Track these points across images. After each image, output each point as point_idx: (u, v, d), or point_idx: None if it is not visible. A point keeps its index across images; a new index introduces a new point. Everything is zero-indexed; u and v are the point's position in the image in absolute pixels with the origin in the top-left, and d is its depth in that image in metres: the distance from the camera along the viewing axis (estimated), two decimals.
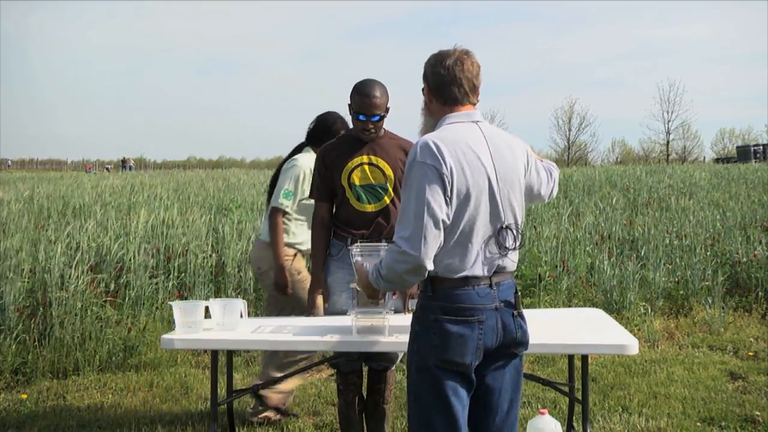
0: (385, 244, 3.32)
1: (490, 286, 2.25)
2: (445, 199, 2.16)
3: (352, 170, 3.45)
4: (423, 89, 2.42)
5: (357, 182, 3.45)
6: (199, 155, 73.42)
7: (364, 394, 3.62)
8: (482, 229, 2.23)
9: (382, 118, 3.42)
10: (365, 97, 3.36)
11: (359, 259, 2.91)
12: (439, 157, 2.17)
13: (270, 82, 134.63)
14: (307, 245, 4.01)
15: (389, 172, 3.46)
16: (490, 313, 2.24)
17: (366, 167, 3.46)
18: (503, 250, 2.26)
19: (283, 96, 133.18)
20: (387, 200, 3.48)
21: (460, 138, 2.24)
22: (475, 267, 2.23)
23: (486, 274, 2.24)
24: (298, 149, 4.21)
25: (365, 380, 3.63)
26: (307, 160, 4.05)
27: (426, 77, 2.38)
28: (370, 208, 3.47)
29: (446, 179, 2.16)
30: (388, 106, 3.44)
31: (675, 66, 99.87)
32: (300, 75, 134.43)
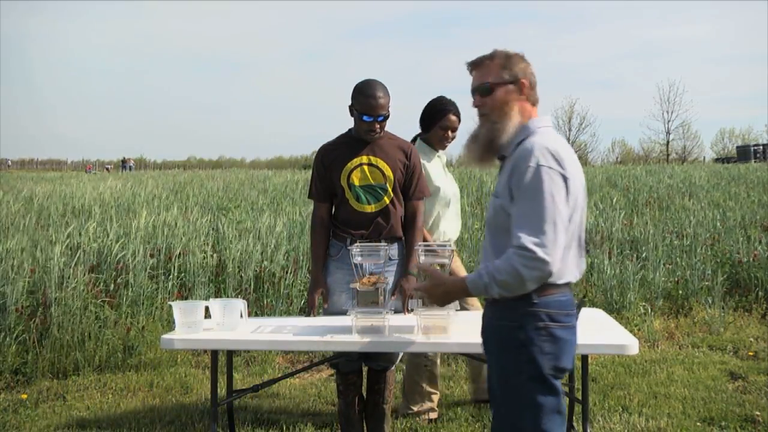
0: (385, 244, 3.34)
1: (570, 291, 2.27)
2: (567, 206, 2.14)
3: (352, 171, 3.45)
4: (506, 85, 2.29)
5: (356, 182, 3.45)
6: (199, 155, 73.57)
7: (364, 394, 3.63)
8: (578, 235, 2.24)
9: (386, 117, 3.43)
10: (370, 98, 3.36)
11: (423, 260, 2.86)
12: (562, 164, 2.14)
13: (270, 82, 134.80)
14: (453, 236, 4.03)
15: (389, 172, 3.46)
16: (576, 319, 2.27)
17: (365, 168, 3.46)
18: (583, 254, 2.29)
19: (283, 96, 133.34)
20: (386, 200, 3.48)
21: (564, 145, 2.23)
22: (575, 272, 2.25)
23: (575, 279, 2.26)
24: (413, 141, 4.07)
25: (365, 380, 3.64)
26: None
27: (516, 77, 2.28)
28: (369, 208, 3.47)
29: (569, 186, 2.14)
30: (389, 105, 3.45)
31: (675, 66, 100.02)
32: (300, 75, 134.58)
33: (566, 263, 2.18)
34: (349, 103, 3.45)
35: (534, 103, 2.31)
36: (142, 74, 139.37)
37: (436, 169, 3.97)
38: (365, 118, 3.38)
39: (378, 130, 3.43)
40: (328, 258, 3.55)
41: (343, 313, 3.28)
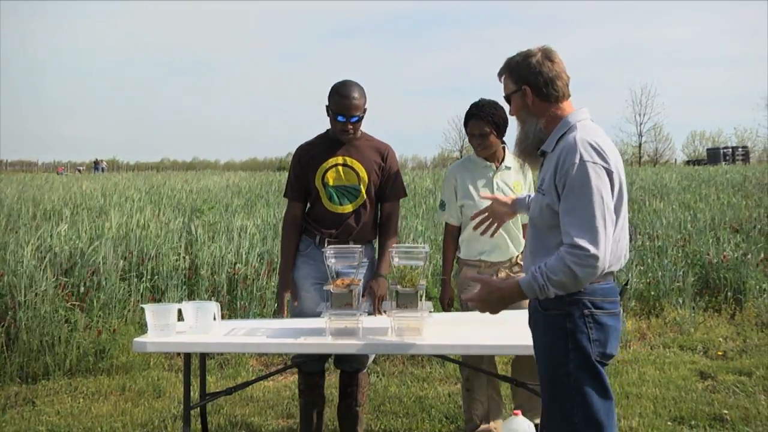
0: (360, 246, 3.33)
1: (614, 279, 2.29)
2: (613, 199, 2.16)
3: (327, 171, 3.46)
4: (516, 93, 2.33)
5: (331, 183, 3.46)
6: (172, 157, 72.71)
7: (326, 394, 3.62)
8: (625, 226, 2.26)
9: (360, 118, 3.43)
10: (345, 98, 3.37)
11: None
12: (606, 157, 2.15)
13: (245, 82, 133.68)
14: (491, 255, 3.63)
15: (363, 174, 3.47)
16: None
17: (340, 168, 3.46)
18: (628, 243, 2.31)
19: (258, 97, 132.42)
20: (359, 202, 3.48)
21: (603, 137, 2.24)
22: (621, 261, 2.27)
23: (618, 268, 2.27)
24: None
25: (338, 383, 3.63)
26: (455, 164, 3.80)
27: (520, 85, 2.31)
28: (341, 209, 3.47)
29: (614, 179, 2.16)
30: (366, 107, 3.45)
31: (647, 69, 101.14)
32: (276, 75, 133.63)
33: (614, 255, 2.20)
34: (326, 103, 3.46)
35: (557, 99, 2.30)
36: (116, 75, 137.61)
37: (476, 183, 3.62)
38: (339, 118, 3.38)
39: (351, 131, 3.43)
40: (297, 254, 3.54)
41: (313, 311, 3.28)
